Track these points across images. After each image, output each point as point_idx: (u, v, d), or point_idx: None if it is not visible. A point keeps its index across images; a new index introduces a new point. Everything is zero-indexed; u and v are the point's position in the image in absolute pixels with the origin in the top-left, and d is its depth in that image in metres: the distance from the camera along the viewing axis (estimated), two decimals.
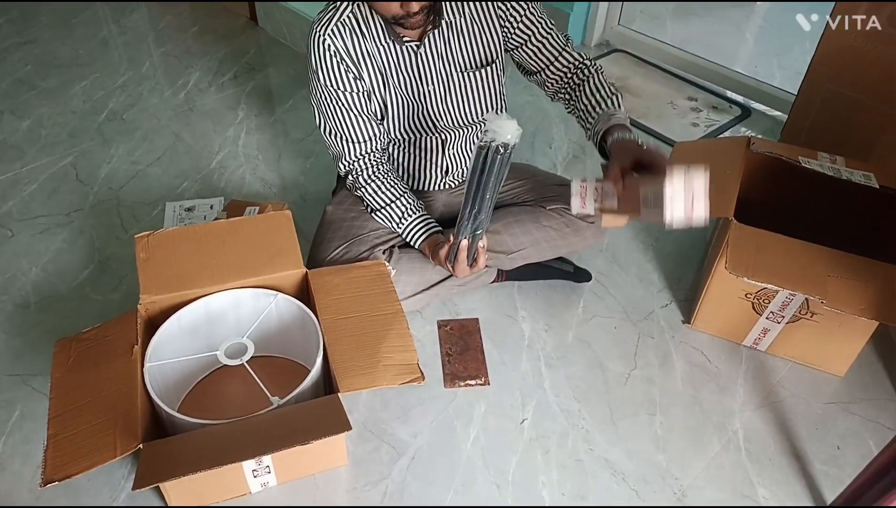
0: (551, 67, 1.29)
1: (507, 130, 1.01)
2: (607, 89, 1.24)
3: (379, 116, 1.29)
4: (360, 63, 1.22)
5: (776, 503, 1.13)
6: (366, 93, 1.25)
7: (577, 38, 2.44)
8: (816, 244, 1.26)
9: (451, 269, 1.24)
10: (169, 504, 1.06)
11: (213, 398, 1.22)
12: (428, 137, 1.34)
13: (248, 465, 1.05)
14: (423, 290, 1.34)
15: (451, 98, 1.30)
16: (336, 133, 1.27)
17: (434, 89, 1.27)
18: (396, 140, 1.35)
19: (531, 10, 1.25)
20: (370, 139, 1.28)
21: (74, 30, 2.48)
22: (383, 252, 1.31)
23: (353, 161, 1.29)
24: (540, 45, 1.28)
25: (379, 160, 1.31)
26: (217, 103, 2.10)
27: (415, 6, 1.10)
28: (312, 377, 1.08)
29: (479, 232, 1.16)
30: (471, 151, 1.42)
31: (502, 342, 1.37)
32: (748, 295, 1.30)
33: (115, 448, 0.96)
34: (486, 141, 1.03)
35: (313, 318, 1.17)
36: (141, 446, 0.96)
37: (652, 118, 2.10)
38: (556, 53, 1.28)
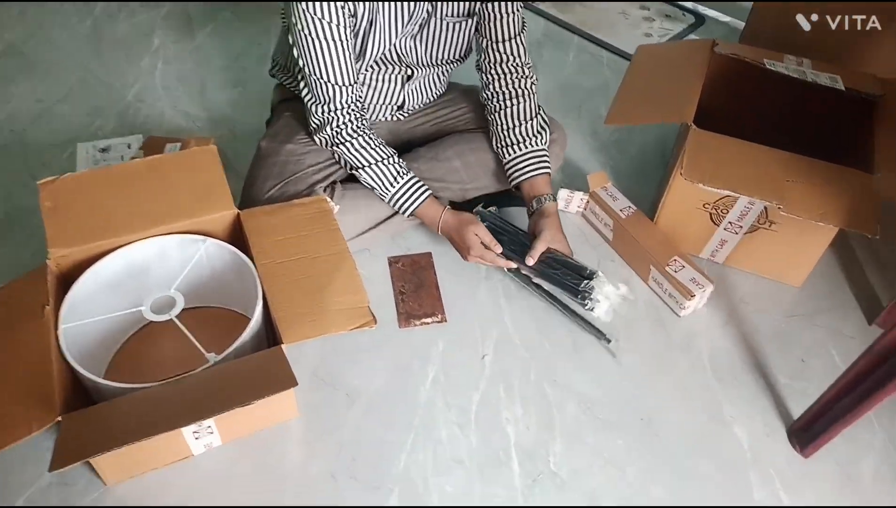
0: (495, 46, 1.20)
1: (608, 303, 1.17)
2: (536, 124, 1.23)
3: (356, 57, 1.16)
4: None
5: (744, 420, 1.11)
6: (352, 31, 1.11)
7: None
8: (777, 149, 1.20)
9: (468, 249, 1.19)
10: (102, 477, 0.97)
11: (145, 358, 1.11)
12: (389, 72, 1.22)
13: (188, 428, 0.96)
14: (371, 228, 1.24)
15: (425, 41, 1.19)
16: (323, 73, 1.11)
17: (411, 30, 1.15)
18: None
19: None
20: (354, 82, 1.15)
21: None
22: (324, 189, 1.19)
23: (337, 109, 1.15)
24: (498, 15, 1.17)
25: (362, 114, 1.19)
26: (129, 31, 1.89)
27: None
28: (252, 328, 0.98)
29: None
30: (431, 86, 1.32)
31: (458, 276, 1.29)
32: (706, 205, 1.25)
33: (29, 422, 0.86)
34: (585, 300, 1.16)
35: (249, 264, 1.06)
36: (59, 419, 0.86)
37: (603, 29, 1.99)
38: (507, 36, 1.19)
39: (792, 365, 1.19)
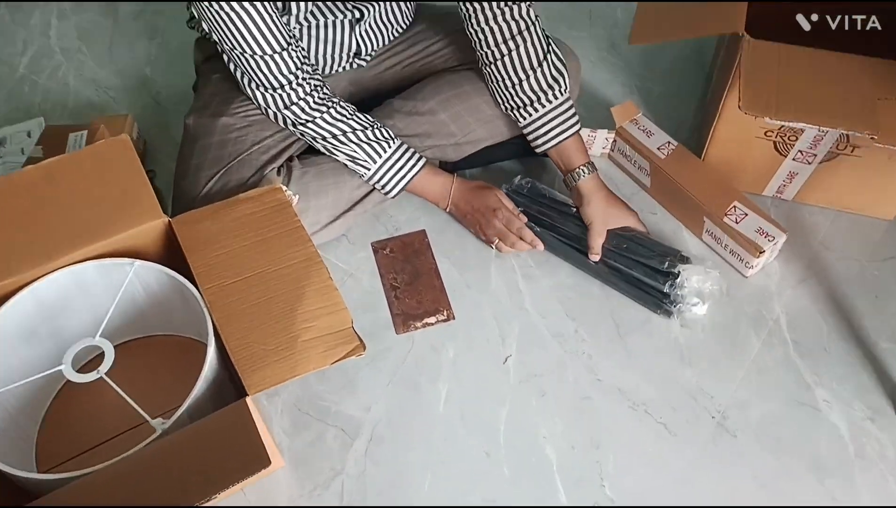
0: None
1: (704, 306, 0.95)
2: (550, 70, 0.95)
3: (281, 10, 0.89)
4: None
5: (840, 403, 0.90)
6: None
7: None
8: (860, 56, 0.93)
9: (493, 213, 1.00)
10: None
11: (81, 416, 0.89)
12: (330, 20, 0.94)
13: None
14: (345, 212, 0.99)
15: None
16: (247, 47, 0.85)
17: None
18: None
19: None
20: (291, 39, 0.88)
21: None
22: (277, 172, 0.93)
23: (284, 84, 0.89)
24: None
25: (320, 78, 0.93)
26: None
27: None
28: (205, 378, 0.75)
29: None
30: (391, 21, 1.03)
31: (462, 257, 1.04)
32: (769, 133, 0.99)
33: None
34: (674, 287, 0.94)
35: (191, 288, 0.82)
36: None
37: None
38: None
39: (892, 323, 0.97)
